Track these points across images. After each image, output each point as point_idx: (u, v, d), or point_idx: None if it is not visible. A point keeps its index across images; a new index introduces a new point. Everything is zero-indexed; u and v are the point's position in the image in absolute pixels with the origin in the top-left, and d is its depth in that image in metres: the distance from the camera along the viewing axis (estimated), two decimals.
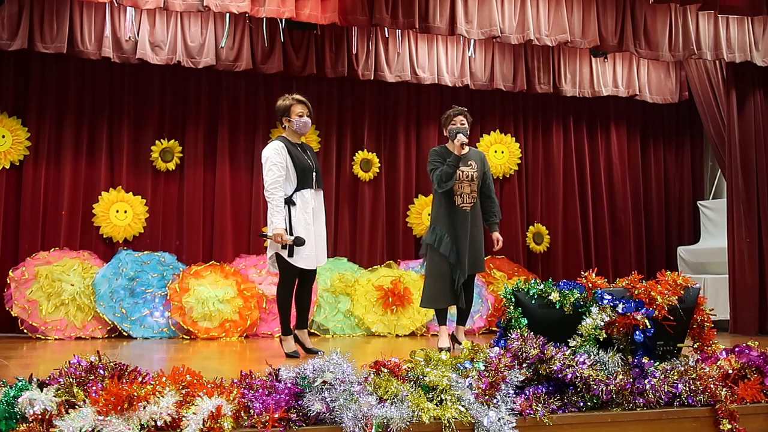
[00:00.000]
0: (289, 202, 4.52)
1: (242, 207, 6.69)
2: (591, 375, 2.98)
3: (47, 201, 6.22)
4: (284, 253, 4.49)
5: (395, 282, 6.43)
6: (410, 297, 6.39)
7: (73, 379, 2.55)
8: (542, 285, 3.31)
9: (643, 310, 3.21)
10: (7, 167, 6.12)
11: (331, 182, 6.80)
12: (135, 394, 2.42)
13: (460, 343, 4.86)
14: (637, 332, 3.19)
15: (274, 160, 4.49)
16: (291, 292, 4.64)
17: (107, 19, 5.86)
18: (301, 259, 4.52)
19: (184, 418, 2.45)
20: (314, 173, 4.63)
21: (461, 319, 4.98)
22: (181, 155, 6.56)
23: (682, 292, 3.37)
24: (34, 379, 2.55)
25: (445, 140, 4.98)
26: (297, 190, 4.54)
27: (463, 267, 4.73)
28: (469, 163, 4.86)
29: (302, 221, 4.53)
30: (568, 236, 7.48)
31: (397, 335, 6.29)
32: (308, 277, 4.71)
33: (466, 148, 4.88)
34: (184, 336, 5.90)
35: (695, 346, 3.52)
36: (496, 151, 7.31)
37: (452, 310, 5.11)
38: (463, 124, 4.86)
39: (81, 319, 5.82)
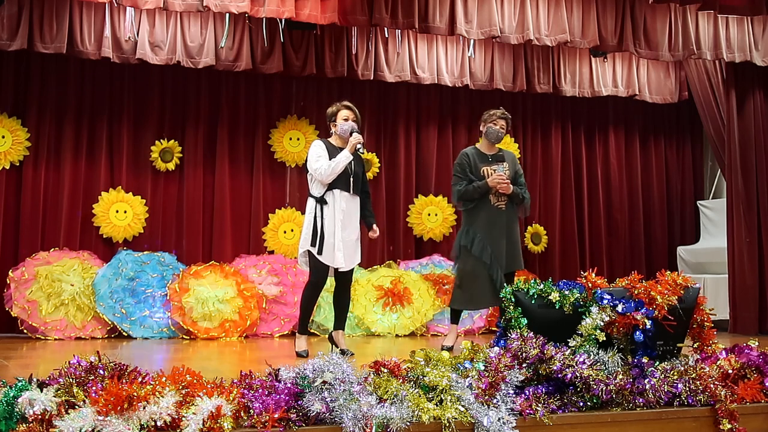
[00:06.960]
0: (321, 201, 4.59)
1: (242, 207, 6.68)
2: (591, 375, 2.98)
3: (47, 201, 6.21)
4: (314, 251, 4.52)
5: (395, 282, 6.43)
6: (410, 297, 6.39)
7: (73, 379, 2.55)
8: (542, 285, 3.31)
9: (643, 310, 3.21)
10: (7, 167, 6.12)
11: None
12: (135, 394, 2.42)
13: None
14: (637, 332, 3.19)
15: (317, 152, 4.64)
16: (316, 292, 4.66)
17: (107, 19, 5.86)
18: (328, 256, 4.53)
19: (183, 418, 2.45)
20: (351, 177, 4.63)
21: None
22: (181, 155, 6.56)
23: (682, 292, 3.37)
24: (34, 379, 2.55)
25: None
26: (329, 189, 4.59)
27: (502, 265, 4.74)
28: (502, 163, 4.91)
29: (331, 220, 4.56)
30: (566, 236, 7.48)
31: (397, 335, 6.29)
32: (342, 279, 4.72)
33: (497, 154, 4.98)
34: (184, 336, 5.89)
35: (695, 346, 3.52)
36: None
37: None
38: (503, 128, 4.95)
39: (81, 319, 5.81)
